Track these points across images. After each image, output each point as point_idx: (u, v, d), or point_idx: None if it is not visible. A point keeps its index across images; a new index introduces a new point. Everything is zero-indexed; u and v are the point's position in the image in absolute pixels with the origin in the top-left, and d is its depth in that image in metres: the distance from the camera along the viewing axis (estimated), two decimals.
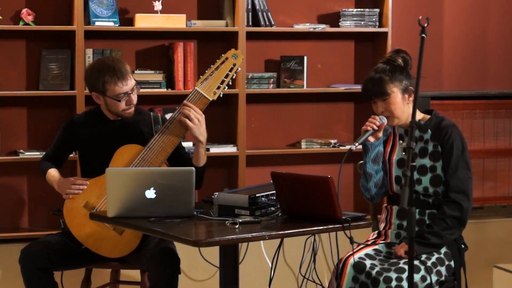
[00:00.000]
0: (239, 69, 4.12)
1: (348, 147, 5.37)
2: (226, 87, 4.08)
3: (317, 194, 3.49)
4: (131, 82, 4.07)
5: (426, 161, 3.79)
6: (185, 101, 4.02)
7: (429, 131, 3.81)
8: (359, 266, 3.65)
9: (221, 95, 4.07)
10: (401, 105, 3.77)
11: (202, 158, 4.08)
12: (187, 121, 3.99)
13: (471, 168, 3.79)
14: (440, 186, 3.78)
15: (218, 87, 4.05)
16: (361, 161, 4.18)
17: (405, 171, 3.18)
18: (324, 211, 3.51)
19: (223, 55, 4.10)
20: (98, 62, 4.13)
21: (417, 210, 3.78)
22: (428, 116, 3.86)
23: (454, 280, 3.81)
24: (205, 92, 4.03)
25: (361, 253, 3.73)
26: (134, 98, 4.11)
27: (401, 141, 3.86)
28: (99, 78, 4.05)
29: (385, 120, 3.77)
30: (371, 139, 3.78)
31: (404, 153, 3.80)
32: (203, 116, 4.02)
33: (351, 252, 3.68)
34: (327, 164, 5.54)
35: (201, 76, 4.08)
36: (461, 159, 3.76)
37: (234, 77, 4.10)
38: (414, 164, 3.21)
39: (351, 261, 3.66)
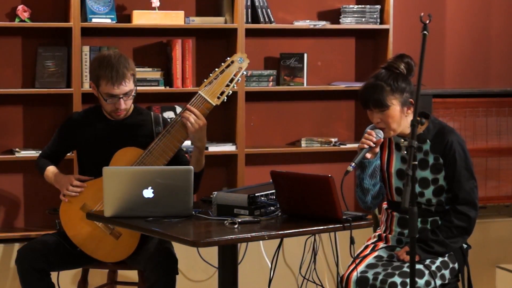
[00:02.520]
0: (245, 73, 4.03)
1: (348, 145, 5.42)
2: (230, 92, 4.01)
3: (317, 194, 3.47)
4: (125, 88, 3.99)
5: (428, 174, 3.72)
6: (188, 105, 3.96)
7: (428, 141, 3.72)
8: (362, 281, 3.60)
9: (225, 100, 4.01)
10: (399, 118, 3.64)
11: (199, 164, 4.03)
12: (188, 123, 3.93)
13: (474, 175, 3.73)
14: (443, 194, 3.74)
15: (222, 92, 3.97)
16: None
17: (407, 170, 3.13)
18: (325, 211, 3.48)
19: (228, 58, 4.02)
20: (105, 54, 4.08)
21: (419, 219, 3.72)
22: (425, 123, 3.74)
23: (457, 281, 3.78)
24: (209, 97, 3.96)
25: (362, 266, 3.68)
26: (124, 103, 4.01)
27: (402, 140, 3.78)
28: (96, 70, 4.02)
29: (381, 135, 3.65)
30: (368, 155, 3.67)
31: (405, 152, 3.74)
32: (205, 122, 3.96)
33: (353, 267, 3.64)
34: (327, 163, 5.54)
35: (205, 80, 4.00)
36: (465, 169, 3.69)
37: (239, 81, 4.02)
38: (416, 163, 3.16)
39: (353, 277, 3.62)
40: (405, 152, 3.76)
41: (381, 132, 3.66)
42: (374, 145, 3.64)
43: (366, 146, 3.63)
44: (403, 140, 3.78)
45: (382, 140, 3.66)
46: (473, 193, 3.70)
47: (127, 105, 4.04)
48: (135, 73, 4.07)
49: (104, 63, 3.99)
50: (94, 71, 4.04)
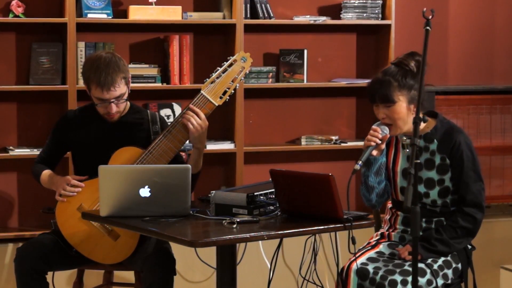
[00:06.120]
0: (248, 72, 4.00)
1: (349, 143, 5.42)
2: (233, 91, 3.98)
3: (317, 193, 3.44)
4: (115, 93, 3.94)
5: (433, 175, 3.69)
6: (190, 105, 3.93)
7: (435, 141, 3.70)
8: (362, 273, 3.59)
9: (228, 100, 3.98)
10: (405, 115, 3.63)
11: (197, 165, 4.00)
12: (189, 124, 3.90)
13: (482, 176, 3.71)
14: (449, 196, 3.71)
15: (225, 92, 3.95)
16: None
17: (409, 169, 3.09)
18: (325, 210, 3.46)
19: (231, 57, 4.00)
20: (96, 56, 4.02)
21: (424, 219, 3.71)
22: (433, 122, 3.73)
23: (461, 282, 3.76)
24: (212, 97, 3.93)
25: (363, 258, 3.68)
26: (116, 107, 3.97)
27: (404, 138, 3.77)
28: (87, 73, 3.98)
29: (387, 131, 3.64)
30: (374, 152, 3.65)
31: (407, 150, 3.70)
32: (207, 123, 3.93)
33: (353, 258, 3.63)
34: (328, 162, 5.54)
35: (207, 79, 3.98)
36: (473, 171, 3.68)
37: (241, 80, 3.99)
38: (419, 161, 3.14)
39: (354, 267, 3.61)
40: (407, 150, 3.72)
41: (386, 128, 3.65)
42: (380, 142, 3.63)
43: (372, 143, 3.62)
44: (405, 138, 3.76)
45: (388, 136, 3.65)
46: (480, 196, 3.68)
47: (119, 107, 4.00)
48: (128, 76, 4.01)
49: (94, 66, 3.94)
50: (85, 73, 4.00)
